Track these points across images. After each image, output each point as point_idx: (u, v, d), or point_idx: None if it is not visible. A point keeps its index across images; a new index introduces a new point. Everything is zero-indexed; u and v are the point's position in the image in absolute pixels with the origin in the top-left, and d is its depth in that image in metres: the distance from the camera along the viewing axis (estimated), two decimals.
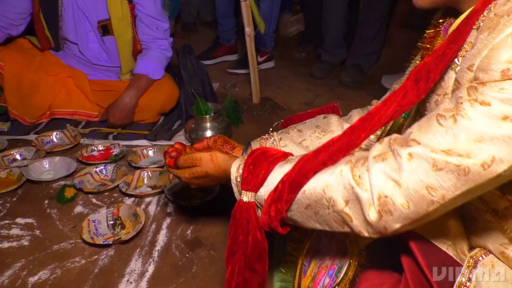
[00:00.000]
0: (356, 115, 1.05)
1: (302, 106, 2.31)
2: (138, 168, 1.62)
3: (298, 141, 1.01)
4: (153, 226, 1.34)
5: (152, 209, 1.43)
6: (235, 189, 0.79)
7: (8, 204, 1.44)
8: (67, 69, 1.96)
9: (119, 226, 1.32)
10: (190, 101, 1.95)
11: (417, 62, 0.83)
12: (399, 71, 2.63)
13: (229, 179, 0.79)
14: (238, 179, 0.77)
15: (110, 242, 1.23)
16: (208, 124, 1.78)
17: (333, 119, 1.04)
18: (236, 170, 0.78)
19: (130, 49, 1.92)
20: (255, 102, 2.29)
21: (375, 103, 1.02)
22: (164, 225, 1.35)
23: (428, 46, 0.77)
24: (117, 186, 1.51)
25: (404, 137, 0.62)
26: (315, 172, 0.67)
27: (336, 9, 2.55)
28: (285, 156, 0.76)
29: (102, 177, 1.59)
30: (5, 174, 1.56)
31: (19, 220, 1.36)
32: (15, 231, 1.32)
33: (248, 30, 2.05)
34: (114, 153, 1.73)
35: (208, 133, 1.78)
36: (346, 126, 1.00)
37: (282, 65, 2.92)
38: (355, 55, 2.66)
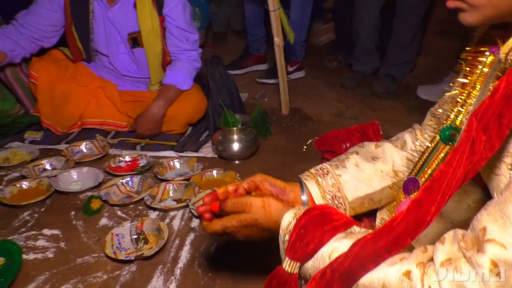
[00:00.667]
0: (408, 140, 0.91)
1: (332, 117, 2.24)
2: (164, 180, 1.61)
3: (359, 177, 0.87)
4: (177, 241, 1.32)
5: (176, 223, 1.40)
6: (281, 247, 0.67)
7: (36, 215, 1.45)
8: (98, 80, 1.98)
9: (142, 241, 1.30)
10: (218, 112, 1.92)
11: (459, 86, 0.74)
12: (436, 81, 2.53)
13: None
14: (286, 237, 0.66)
15: (132, 258, 1.21)
16: (235, 136, 1.75)
17: (387, 147, 0.91)
18: (286, 225, 0.66)
19: (160, 60, 1.92)
20: (284, 113, 2.25)
21: (417, 128, 0.92)
22: (188, 241, 1.32)
23: (473, 64, 0.68)
24: (142, 198, 1.50)
25: (476, 235, 0.50)
26: (375, 262, 0.54)
27: (367, 18, 2.47)
28: (346, 225, 0.63)
29: (128, 189, 1.58)
30: (35, 184, 1.58)
31: (46, 231, 1.37)
32: (41, 242, 1.32)
33: (278, 40, 2.01)
34: (140, 165, 1.73)
35: (235, 146, 1.74)
36: (404, 155, 0.89)
37: (312, 74, 2.86)
38: (388, 64, 2.57)
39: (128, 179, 1.61)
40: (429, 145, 0.80)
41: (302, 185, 0.88)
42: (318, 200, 0.86)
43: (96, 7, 1.85)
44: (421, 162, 0.80)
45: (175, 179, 1.61)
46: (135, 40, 1.87)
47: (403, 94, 2.50)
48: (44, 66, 1.89)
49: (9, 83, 1.96)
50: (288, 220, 0.67)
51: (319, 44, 3.43)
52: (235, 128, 1.75)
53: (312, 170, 0.90)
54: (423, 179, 0.79)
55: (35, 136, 1.93)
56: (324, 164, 0.91)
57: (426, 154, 0.79)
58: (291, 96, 2.31)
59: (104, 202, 1.49)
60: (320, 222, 0.63)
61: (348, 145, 1.07)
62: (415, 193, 0.77)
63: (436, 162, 0.77)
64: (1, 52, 1.78)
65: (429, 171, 0.78)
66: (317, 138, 1.16)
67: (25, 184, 1.56)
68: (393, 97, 2.46)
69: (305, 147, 1.14)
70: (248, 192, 0.86)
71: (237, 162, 1.79)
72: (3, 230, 1.37)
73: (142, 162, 1.74)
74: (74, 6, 1.83)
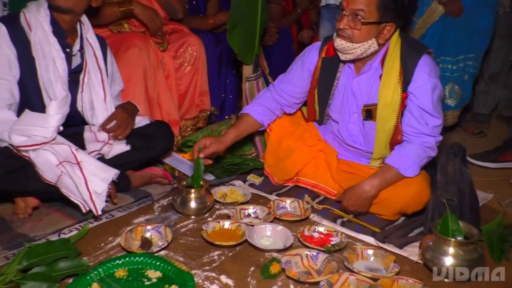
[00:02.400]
0: None
1: None
2: (349, 270, 1.43)
3: None
4: None
5: None
6: None
7: (223, 257, 1.52)
8: (322, 143, 1.99)
9: None
10: (440, 211, 1.60)
11: None
12: None
13: None
14: None
15: None
16: (451, 250, 1.40)
17: None
18: None
19: (389, 137, 1.76)
20: None
21: None
22: None
23: None
24: (319, 282, 1.36)
25: None
26: None
27: None
28: None
29: (310, 264, 1.48)
30: (234, 226, 1.67)
31: (223, 278, 1.41)
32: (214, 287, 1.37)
33: None
34: (332, 242, 1.60)
35: (448, 261, 1.40)
36: None
37: None
38: None
39: (315, 253, 1.50)
40: None
41: None
42: None
43: (342, 75, 1.86)
44: None
45: (362, 272, 1.41)
46: (369, 113, 1.78)
47: None
48: (280, 120, 2.03)
49: None
50: None
51: None
52: (453, 239, 1.41)
53: None
54: None
55: (255, 180, 2.08)
56: None
57: None
58: None
59: (282, 270, 1.43)
60: None
61: None
62: None
63: None
64: (256, 121, 1.98)
65: None
66: None
67: (226, 224, 1.68)
68: None
69: None
70: None
71: (446, 280, 1.43)
72: (193, 261, 1.49)
73: (335, 240, 1.61)
74: (324, 71, 1.88)
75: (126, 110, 1.86)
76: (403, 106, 1.73)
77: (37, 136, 1.62)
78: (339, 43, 1.70)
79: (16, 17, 1.68)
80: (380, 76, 1.74)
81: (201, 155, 1.82)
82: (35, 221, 1.64)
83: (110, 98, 1.86)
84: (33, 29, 1.66)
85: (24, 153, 1.61)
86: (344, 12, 1.66)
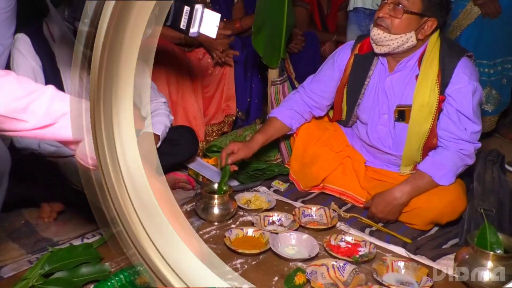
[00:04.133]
0: None
1: None
2: (379, 283, 1.36)
3: None
4: None
5: None
6: None
7: (246, 266, 1.48)
8: (349, 149, 1.93)
9: None
10: (477, 221, 1.51)
11: None
12: None
13: None
14: None
15: None
16: (489, 264, 1.31)
17: None
18: None
19: (422, 141, 1.68)
20: None
21: None
22: None
23: None
24: None
25: None
26: None
27: None
28: None
29: (337, 275, 1.42)
30: (258, 234, 1.62)
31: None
32: None
33: None
34: (360, 253, 1.53)
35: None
36: None
37: None
38: None
39: (342, 264, 1.44)
40: None
41: None
42: None
43: (375, 73, 1.79)
44: None
45: (392, 286, 1.33)
46: (401, 114, 1.71)
47: None
48: (306, 125, 1.97)
49: None
50: None
51: None
52: (491, 252, 1.31)
53: None
54: None
55: (280, 187, 2.02)
56: None
57: None
58: None
59: (307, 281, 1.38)
60: None
61: None
62: None
63: None
64: (284, 125, 1.92)
65: None
66: None
67: (250, 232, 1.63)
68: None
69: None
70: None
71: None
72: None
73: (363, 251, 1.54)
74: (355, 68, 1.81)
75: None
76: (439, 109, 1.65)
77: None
78: (375, 32, 1.63)
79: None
80: (417, 76, 1.67)
81: (229, 161, 1.78)
82: (59, 225, 1.64)
83: None
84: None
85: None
86: (385, 1, 1.60)
